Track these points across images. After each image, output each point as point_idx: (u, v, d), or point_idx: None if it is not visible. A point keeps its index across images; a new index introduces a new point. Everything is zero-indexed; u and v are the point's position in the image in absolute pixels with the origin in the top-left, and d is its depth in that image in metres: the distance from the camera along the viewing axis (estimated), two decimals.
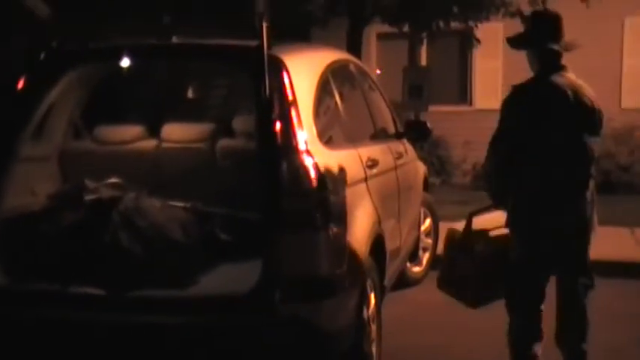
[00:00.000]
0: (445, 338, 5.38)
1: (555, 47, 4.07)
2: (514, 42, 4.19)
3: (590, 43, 12.76)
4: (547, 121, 3.96)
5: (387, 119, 5.90)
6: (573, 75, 4.10)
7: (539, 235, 4.07)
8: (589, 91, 4.13)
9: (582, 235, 4.26)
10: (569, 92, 3.99)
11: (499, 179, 4.13)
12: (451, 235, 4.59)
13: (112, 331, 3.61)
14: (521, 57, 4.31)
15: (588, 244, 4.30)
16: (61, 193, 4.23)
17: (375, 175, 4.64)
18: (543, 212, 4.06)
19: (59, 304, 3.69)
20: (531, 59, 4.14)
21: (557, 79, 4.01)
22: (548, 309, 4.21)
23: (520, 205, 4.08)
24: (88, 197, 3.98)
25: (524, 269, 4.12)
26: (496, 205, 4.28)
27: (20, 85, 4.14)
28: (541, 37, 4.07)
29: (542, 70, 4.06)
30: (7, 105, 4.15)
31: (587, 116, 4.08)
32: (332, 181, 3.74)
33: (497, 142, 4.04)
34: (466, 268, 4.43)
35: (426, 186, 6.99)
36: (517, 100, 4.05)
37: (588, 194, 4.24)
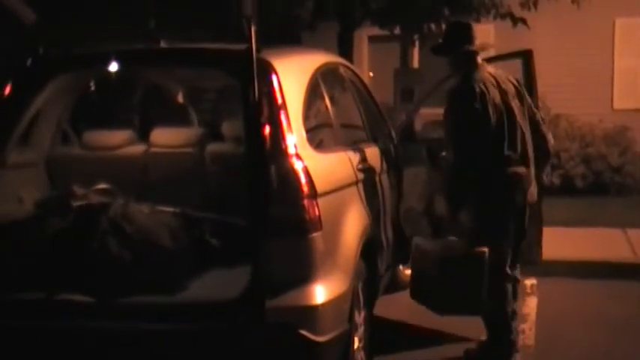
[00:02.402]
0: (438, 342, 5.35)
1: (470, 48, 4.72)
2: (435, 51, 4.91)
3: (581, 44, 12.79)
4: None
5: (378, 122, 5.87)
6: (492, 68, 4.80)
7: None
8: (510, 78, 4.82)
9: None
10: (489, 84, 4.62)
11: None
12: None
13: (101, 339, 3.58)
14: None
15: None
16: (48, 199, 4.19)
17: (366, 179, 4.61)
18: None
19: (47, 313, 3.65)
20: (451, 62, 4.83)
21: (478, 75, 4.65)
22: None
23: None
24: (76, 203, 3.94)
25: None
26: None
27: (6, 91, 4.10)
28: (456, 43, 4.76)
29: (464, 70, 4.69)
30: None
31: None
32: (322, 185, 3.71)
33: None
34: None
35: None
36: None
37: None
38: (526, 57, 5.36)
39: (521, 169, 4.67)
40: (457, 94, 4.71)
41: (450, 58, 4.84)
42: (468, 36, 4.77)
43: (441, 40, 4.99)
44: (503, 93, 4.67)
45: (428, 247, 4.86)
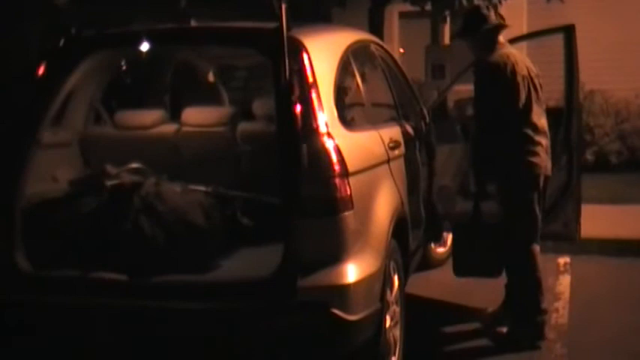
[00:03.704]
0: (470, 320, 5.33)
1: (489, 27, 4.84)
2: (457, 36, 5.12)
3: (616, 17, 12.52)
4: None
5: (409, 100, 5.84)
6: (512, 48, 4.92)
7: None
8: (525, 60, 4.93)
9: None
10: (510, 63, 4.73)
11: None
12: None
13: (133, 317, 3.61)
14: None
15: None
16: (82, 178, 4.24)
17: (398, 157, 4.59)
18: None
19: (81, 291, 3.69)
20: (473, 45, 4.95)
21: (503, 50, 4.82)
22: None
23: None
24: (109, 182, 3.98)
25: None
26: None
27: (40, 71, 4.13)
28: (475, 26, 4.88)
29: (486, 49, 4.82)
30: (27, 91, 4.15)
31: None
32: (353, 164, 3.70)
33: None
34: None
35: None
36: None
37: None
38: (568, 32, 5.31)
39: (544, 140, 4.81)
40: (484, 67, 4.81)
41: (471, 41, 4.96)
42: (483, 17, 4.91)
43: (459, 28, 5.13)
44: (527, 69, 4.83)
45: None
